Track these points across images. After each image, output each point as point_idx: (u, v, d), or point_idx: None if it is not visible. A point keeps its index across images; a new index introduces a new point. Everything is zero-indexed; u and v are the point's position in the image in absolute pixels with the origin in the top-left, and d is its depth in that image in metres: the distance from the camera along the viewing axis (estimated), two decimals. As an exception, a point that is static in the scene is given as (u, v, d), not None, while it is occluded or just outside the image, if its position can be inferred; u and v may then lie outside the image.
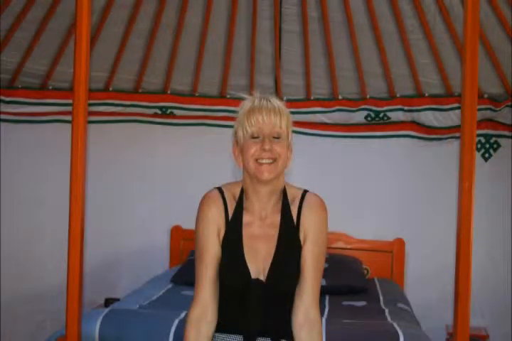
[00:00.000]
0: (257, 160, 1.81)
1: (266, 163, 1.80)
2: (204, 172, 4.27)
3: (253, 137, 1.80)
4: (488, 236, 4.03)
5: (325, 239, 1.88)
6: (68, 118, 2.61)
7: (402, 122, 4.37)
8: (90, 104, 2.59)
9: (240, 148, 1.85)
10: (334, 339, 2.66)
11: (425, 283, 4.19)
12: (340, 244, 4.39)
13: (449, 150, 4.17)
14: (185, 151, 4.48)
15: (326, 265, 3.35)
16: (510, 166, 4.07)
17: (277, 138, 1.81)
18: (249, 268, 1.82)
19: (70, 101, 2.52)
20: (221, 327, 1.88)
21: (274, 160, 1.81)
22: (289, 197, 1.90)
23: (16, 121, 4.22)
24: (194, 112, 4.48)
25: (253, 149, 1.80)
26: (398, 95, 4.35)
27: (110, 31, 4.00)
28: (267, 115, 1.79)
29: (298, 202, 1.88)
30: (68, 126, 2.52)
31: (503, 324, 4.04)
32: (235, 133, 1.86)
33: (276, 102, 1.83)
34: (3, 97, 4.10)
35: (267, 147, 1.78)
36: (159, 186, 4.44)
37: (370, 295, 3.81)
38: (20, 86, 4.17)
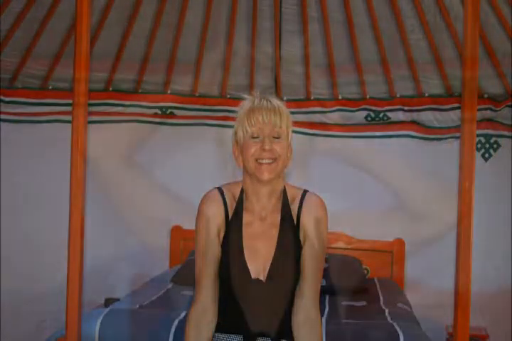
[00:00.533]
0: (257, 160, 1.82)
1: (266, 163, 1.81)
2: (204, 172, 4.24)
3: (253, 137, 1.81)
4: (488, 236, 3.96)
5: (325, 239, 1.88)
6: (68, 118, 2.59)
7: (402, 122, 4.36)
8: (90, 104, 2.57)
9: (240, 148, 1.85)
10: (334, 339, 2.65)
11: (425, 283, 4.16)
12: (340, 244, 4.37)
13: (449, 150, 4.12)
14: (185, 151, 4.45)
15: (326, 265, 3.50)
16: (510, 166, 4.05)
17: (277, 138, 1.81)
18: (249, 268, 1.83)
19: (70, 101, 2.53)
20: (221, 327, 1.88)
21: (274, 160, 1.81)
22: (289, 197, 1.90)
23: (16, 121, 4.20)
24: (194, 112, 4.48)
25: (253, 149, 1.81)
26: (398, 95, 4.36)
27: (110, 31, 3.98)
28: (267, 115, 1.79)
29: (298, 202, 1.89)
30: (68, 126, 2.52)
31: (503, 324, 4.01)
32: (235, 133, 1.86)
33: (276, 102, 1.83)
34: (3, 97, 4.09)
35: (267, 147, 1.79)
36: (159, 186, 4.40)
37: (370, 295, 3.80)
38: (20, 86, 4.15)
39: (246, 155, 1.82)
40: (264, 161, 1.80)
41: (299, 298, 1.84)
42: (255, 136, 1.80)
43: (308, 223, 1.87)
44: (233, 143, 1.88)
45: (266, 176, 1.81)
